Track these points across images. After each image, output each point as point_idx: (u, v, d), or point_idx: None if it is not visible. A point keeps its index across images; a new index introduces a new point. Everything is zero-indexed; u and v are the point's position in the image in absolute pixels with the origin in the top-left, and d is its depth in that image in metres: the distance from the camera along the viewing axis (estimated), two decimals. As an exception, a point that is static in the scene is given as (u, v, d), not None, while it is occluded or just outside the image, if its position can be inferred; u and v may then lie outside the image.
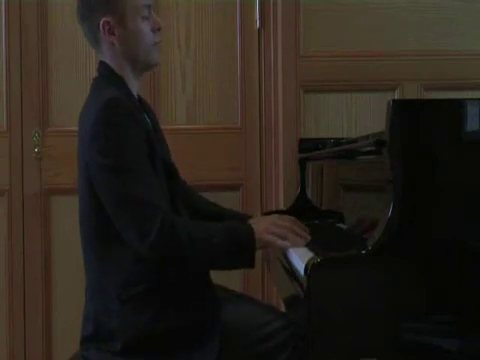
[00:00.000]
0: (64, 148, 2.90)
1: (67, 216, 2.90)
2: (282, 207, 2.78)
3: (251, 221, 1.90)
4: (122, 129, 1.69)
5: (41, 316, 2.94)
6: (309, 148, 2.63)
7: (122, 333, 1.70)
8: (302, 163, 2.68)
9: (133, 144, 1.70)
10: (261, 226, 1.78)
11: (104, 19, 1.80)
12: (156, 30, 1.87)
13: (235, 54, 3.00)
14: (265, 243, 1.77)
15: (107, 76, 1.85)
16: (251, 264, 1.72)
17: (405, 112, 1.54)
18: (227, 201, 2.94)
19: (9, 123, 2.94)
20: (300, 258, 1.68)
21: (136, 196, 1.66)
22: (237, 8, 2.99)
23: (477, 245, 1.53)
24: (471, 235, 1.54)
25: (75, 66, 2.95)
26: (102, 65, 1.87)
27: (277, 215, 2.04)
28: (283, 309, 2.07)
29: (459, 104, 1.57)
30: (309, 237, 1.83)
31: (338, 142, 2.31)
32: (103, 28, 1.81)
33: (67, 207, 2.90)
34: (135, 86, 1.89)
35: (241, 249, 1.71)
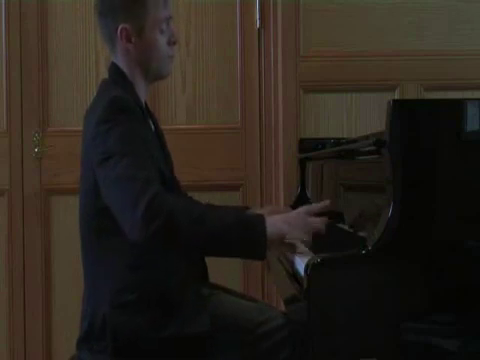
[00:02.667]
0: (64, 148, 2.90)
1: (67, 216, 2.90)
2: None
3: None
4: (123, 124, 1.68)
5: (41, 316, 2.94)
6: (309, 148, 2.63)
7: (113, 337, 1.69)
8: (302, 163, 2.68)
9: (133, 136, 1.68)
10: (275, 217, 1.65)
11: (123, 25, 1.79)
12: (172, 43, 1.86)
13: (235, 54, 3.00)
14: (279, 231, 1.62)
15: (116, 79, 1.84)
16: (261, 255, 1.60)
17: (405, 112, 1.54)
18: (227, 201, 2.94)
19: (9, 123, 2.94)
20: (300, 258, 1.68)
21: (129, 175, 1.60)
22: (237, 8, 2.99)
23: (477, 245, 1.53)
24: (471, 235, 1.54)
25: (75, 66, 2.95)
26: (113, 67, 1.86)
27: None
28: (283, 309, 2.07)
29: (459, 104, 1.57)
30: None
31: (338, 142, 2.31)
32: (121, 34, 1.80)
33: (67, 207, 2.90)
34: (143, 93, 1.88)
35: (249, 232, 1.58)
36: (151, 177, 1.63)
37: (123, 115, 1.69)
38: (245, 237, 1.59)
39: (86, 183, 1.77)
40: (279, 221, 1.64)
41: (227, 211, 1.65)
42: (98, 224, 1.75)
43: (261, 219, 1.62)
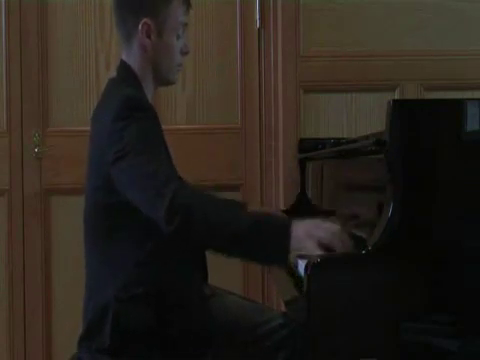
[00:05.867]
0: (64, 148, 2.90)
1: (67, 216, 2.89)
2: (282, 207, 2.78)
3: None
4: (141, 122, 1.68)
5: (41, 316, 2.94)
6: (309, 148, 2.63)
7: (113, 330, 1.70)
8: (302, 163, 2.68)
9: (151, 133, 1.69)
10: (301, 226, 1.54)
11: (145, 20, 1.79)
12: (184, 53, 1.89)
13: (235, 54, 3.00)
14: (302, 246, 1.53)
15: (125, 77, 1.84)
16: (283, 259, 1.54)
17: (405, 112, 1.54)
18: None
19: (9, 123, 2.94)
20: (300, 258, 1.68)
21: (149, 173, 1.61)
22: (237, 8, 2.99)
23: (477, 245, 1.53)
24: (471, 235, 1.54)
25: (75, 66, 2.95)
26: (122, 65, 1.86)
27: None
28: (283, 309, 2.07)
29: (459, 104, 1.57)
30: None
31: (338, 142, 2.31)
32: (142, 28, 1.80)
33: (67, 207, 2.90)
34: (150, 95, 1.88)
35: (271, 233, 1.53)
36: (170, 174, 1.64)
37: (140, 113, 1.70)
38: (267, 245, 1.53)
39: (95, 180, 1.76)
40: (304, 235, 1.53)
41: (248, 213, 1.58)
42: (107, 221, 1.75)
43: (286, 229, 1.53)
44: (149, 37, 1.81)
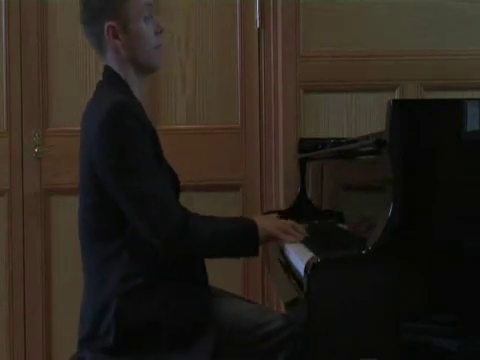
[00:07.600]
0: (64, 148, 2.90)
1: (67, 216, 2.90)
2: (282, 207, 2.78)
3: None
4: (128, 131, 1.71)
5: (41, 316, 2.94)
6: (309, 148, 2.63)
7: (116, 327, 1.71)
8: (302, 163, 2.68)
9: (140, 145, 1.72)
10: (264, 220, 1.88)
11: (108, 23, 1.81)
12: (158, 33, 1.88)
13: (235, 54, 3.00)
14: (269, 234, 1.83)
15: (111, 80, 1.85)
16: (255, 252, 1.80)
17: (405, 112, 1.54)
18: (227, 201, 2.94)
19: (9, 123, 2.94)
20: (300, 258, 1.68)
21: (149, 193, 1.70)
22: (237, 8, 2.99)
23: (477, 245, 1.53)
24: (471, 235, 1.54)
25: (75, 66, 2.95)
26: (107, 69, 1.87)
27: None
28: (283, 309, 2.07)
29: (459, 104, 1.57)
30: (306, 234, 1.92)
31: (338, 142, 2.31)
32: (107, 32, 1.81)
33: (67, 207, 2.90)
34: (139, 90, 1.89)
35: (246, 238, 1.79)
36: (169, 194, 1.75)
37: (129, 120, 1.71)
38: (243, 247, 1.80)
39: (83, 180, 1.79)
40: (269, 227, 1.85)
41: (227, 223, 1.82)
42: (98, 220, 1.77)
43: (255, 226, 1.80)
44: (117, 37, 1.83)
